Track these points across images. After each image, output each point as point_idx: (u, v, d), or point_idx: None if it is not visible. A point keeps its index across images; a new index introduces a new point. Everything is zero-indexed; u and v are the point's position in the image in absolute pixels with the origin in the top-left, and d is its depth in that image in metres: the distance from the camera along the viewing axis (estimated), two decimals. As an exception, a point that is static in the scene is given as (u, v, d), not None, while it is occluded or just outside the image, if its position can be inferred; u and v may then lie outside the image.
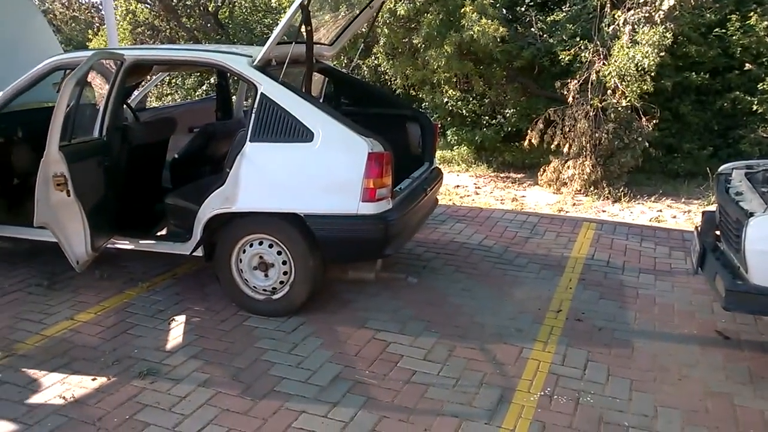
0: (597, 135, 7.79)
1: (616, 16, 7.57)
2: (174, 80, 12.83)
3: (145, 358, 3.59)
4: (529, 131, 8.16)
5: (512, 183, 8.49)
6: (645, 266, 5.14)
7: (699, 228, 4.26)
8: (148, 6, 13.09)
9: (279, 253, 4.03)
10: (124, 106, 5.44)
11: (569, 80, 7.86)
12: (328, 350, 3.72)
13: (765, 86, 7.62)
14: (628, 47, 7.30)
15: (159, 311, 4.19)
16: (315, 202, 3.90)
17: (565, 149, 7.90)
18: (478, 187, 8.27)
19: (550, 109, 8.05)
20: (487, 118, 9.56)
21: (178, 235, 4.25)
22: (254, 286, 4.12)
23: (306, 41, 4.10)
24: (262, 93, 3.97)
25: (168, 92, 13.04)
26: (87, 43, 15.39)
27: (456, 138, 9.55)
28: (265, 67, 4.08)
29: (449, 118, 9.69)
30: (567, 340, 3.88)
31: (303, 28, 4.00)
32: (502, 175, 8.91)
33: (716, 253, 3.88)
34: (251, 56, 4.09)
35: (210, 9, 13.04)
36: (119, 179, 4.30)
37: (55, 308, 4.20)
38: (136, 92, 6.05)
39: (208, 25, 12.96)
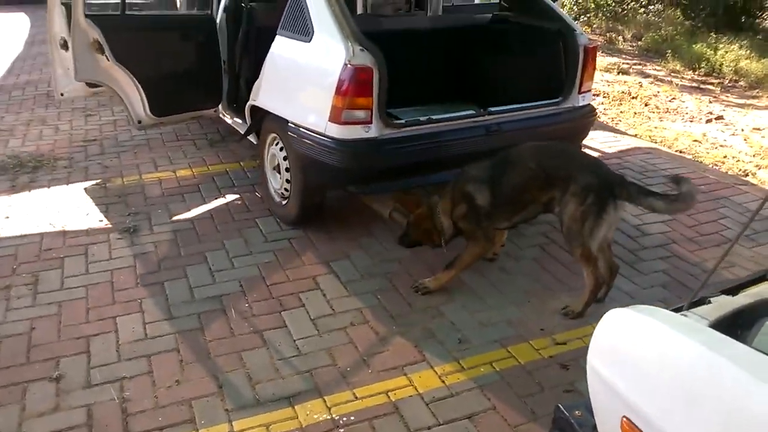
0: None
1: None
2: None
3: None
4: None
5: None
6: None
7: None
8: None
9: (285, 158, 3.74)
10: None
11: None
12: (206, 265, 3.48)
13: None
14: None
15: (218, 189, 4.36)
16: (297, 111, 3.48)
17: None
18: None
19: None
20: None
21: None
22: (275, 188, 3.97)
23: None
24: (302, -22, 3.53)
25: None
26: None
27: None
28: None
29: None
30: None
31: None
32: None
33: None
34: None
35: None
36: (233, 55, 4.41)
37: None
38: None
39: None
